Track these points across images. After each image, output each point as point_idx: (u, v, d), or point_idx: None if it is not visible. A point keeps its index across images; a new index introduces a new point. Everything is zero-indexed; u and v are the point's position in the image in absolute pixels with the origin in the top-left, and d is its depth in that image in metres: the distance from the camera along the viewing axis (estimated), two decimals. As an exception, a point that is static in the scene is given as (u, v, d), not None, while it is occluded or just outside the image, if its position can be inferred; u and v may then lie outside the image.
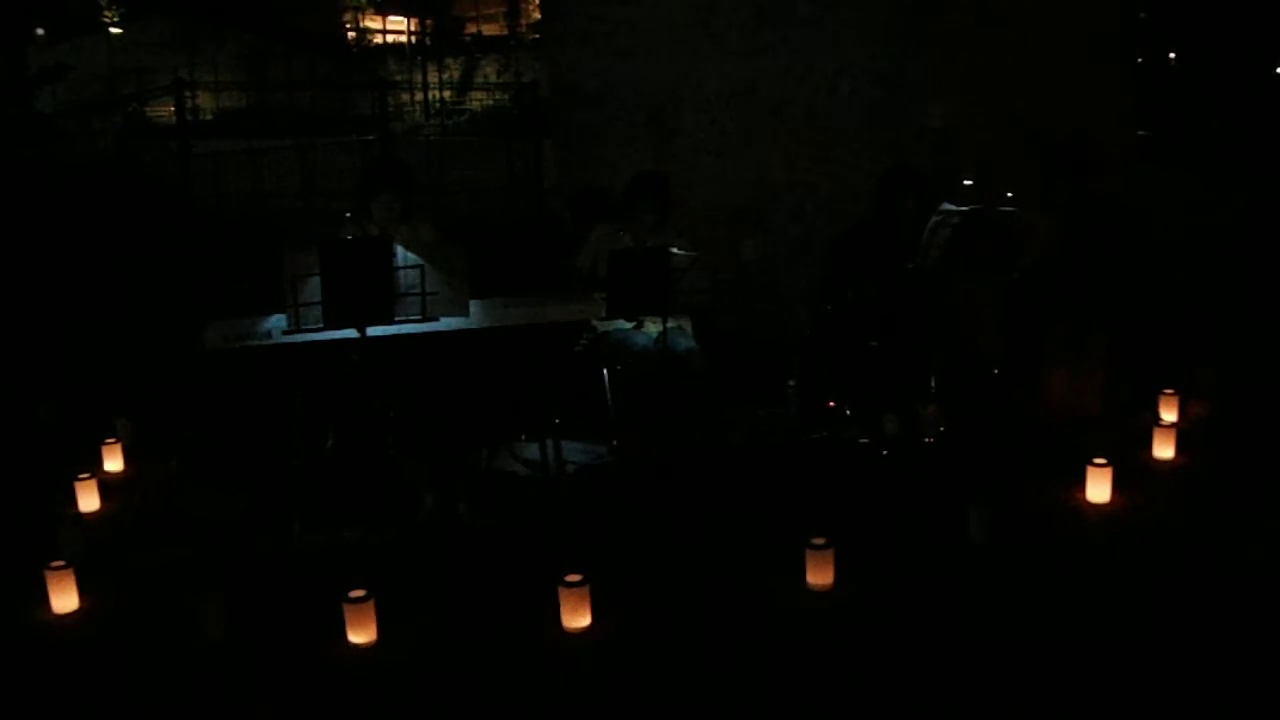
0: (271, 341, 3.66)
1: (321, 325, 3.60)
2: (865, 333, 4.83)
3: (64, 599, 3.45)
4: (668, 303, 4.30)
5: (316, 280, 3.55)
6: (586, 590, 3.21)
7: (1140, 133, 7.19)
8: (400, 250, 3.67)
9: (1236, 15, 14.59)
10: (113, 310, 6.35)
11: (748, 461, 4.53)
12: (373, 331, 3.69)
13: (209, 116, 18.17)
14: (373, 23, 28.05)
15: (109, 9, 23.45)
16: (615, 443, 4.56)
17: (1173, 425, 4.51)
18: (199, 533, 3.99)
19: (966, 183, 5.48)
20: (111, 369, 5.64)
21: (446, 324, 3.76)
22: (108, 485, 4.43)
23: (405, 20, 27.28)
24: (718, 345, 4.94)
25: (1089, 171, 4.89)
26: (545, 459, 4.31)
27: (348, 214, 4.45)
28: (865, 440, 4.64)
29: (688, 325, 4.80)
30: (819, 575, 3.39)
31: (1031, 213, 4.97)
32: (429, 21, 27.31)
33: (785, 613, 3.30)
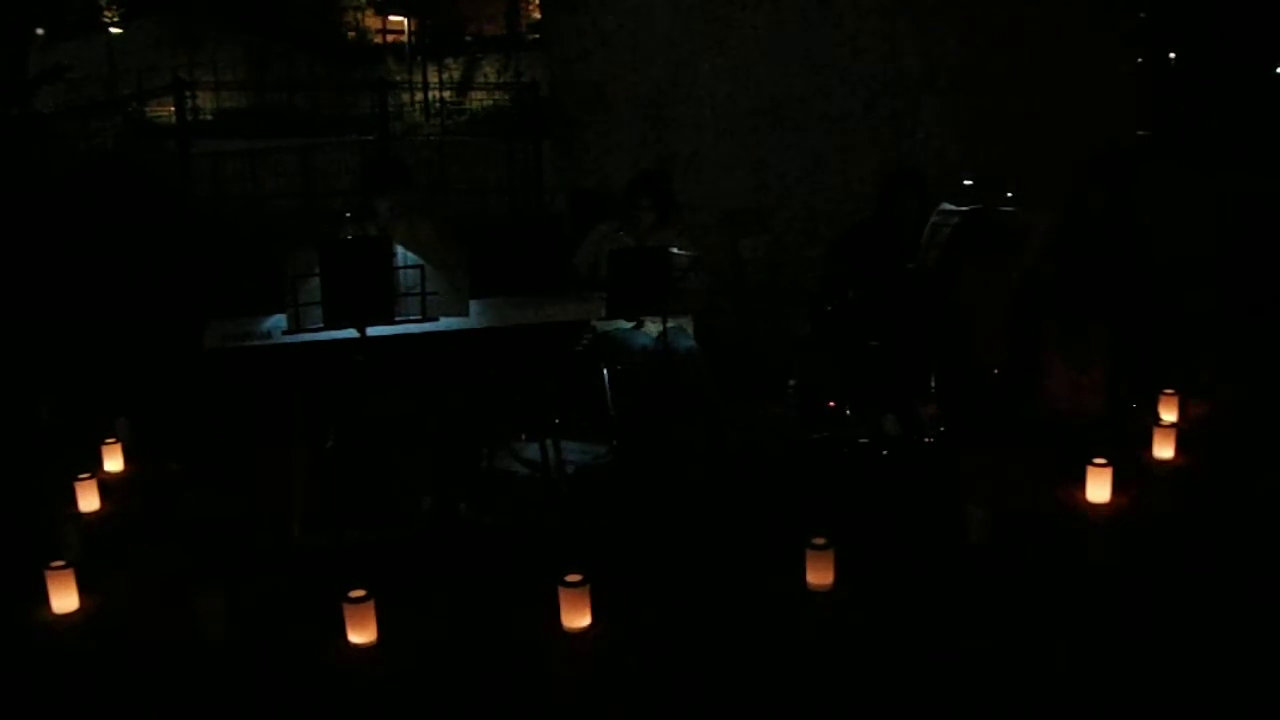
0: (271, 341, 3.65)
1: (321, 325, 3.60)
2: (865, 333, 4.83)
3: (64, 599, 3.45)
4: (668, 303, 4.29)
5: (316, 280, 3.54)
6: (586, 590, 3.21)
7: (1140, 133, 7.19)
8: (400, 250, 3.66)
9: (1236, 15, 14.59)
10: (113, 310, 6.35)
11: (748, 461, 4.54)
12: (373, 331, 3.68)
13: (209, 116, 18.20)
14: (373, 23, 28.08)
15: (109, 9, 23.47)
16: (615, 443, 4.56)
17: (1173, 425, 4.51)
18: (199, 533, 3.99)
19: (966, 183, 5.47)
20: (111, 369, 5.64)
21: (446, 324, 3.76)
22: (108, 485, 4.43)
23: (405, 20, 27.28)
24: (718, 345, 4.94)
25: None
26: (545, 459, 4.31)
27: (348, 214, 4.45)
28: (865, 440, 4.64)
29: (688, 325, 4.80)
30: (819, 575, 3.39)
31: (1031, 212, 4.97)
32: (429, 21, 27.33)
33: (785, 613, 3.30)
